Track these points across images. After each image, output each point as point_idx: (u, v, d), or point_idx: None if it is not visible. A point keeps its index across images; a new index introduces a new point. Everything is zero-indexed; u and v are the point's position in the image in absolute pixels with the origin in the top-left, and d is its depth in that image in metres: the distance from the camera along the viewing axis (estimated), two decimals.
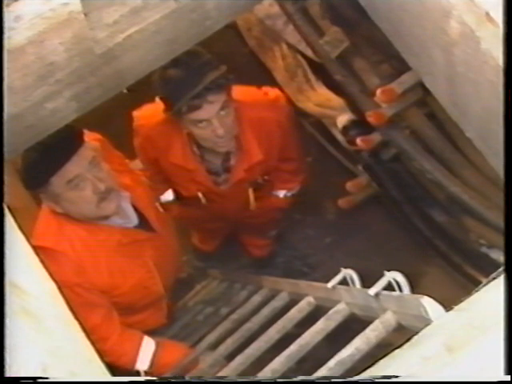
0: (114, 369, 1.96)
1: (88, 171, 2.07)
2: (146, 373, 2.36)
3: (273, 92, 2.71)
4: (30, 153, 1.94)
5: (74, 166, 2.04)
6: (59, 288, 1.19)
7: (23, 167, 2.07)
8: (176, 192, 2.83)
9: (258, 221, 3.11)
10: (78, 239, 2.19)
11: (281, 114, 2.63)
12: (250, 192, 2.80)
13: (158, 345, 2.41)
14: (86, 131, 2.18)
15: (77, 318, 1.17)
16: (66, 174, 2.04)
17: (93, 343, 1.16)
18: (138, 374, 2.37)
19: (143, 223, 2.38)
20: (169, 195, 2.84)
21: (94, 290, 2.23)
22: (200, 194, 2.73)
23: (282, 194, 2.97)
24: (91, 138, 2.27)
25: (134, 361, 2.37)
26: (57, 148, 1.98)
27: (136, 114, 2.58)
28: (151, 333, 2.54)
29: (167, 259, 2.53)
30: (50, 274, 2.07)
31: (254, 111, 2.51)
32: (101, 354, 1.13)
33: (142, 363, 2.37)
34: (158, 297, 2.55)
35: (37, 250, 2.12)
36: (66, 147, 2.03)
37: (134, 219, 2.36)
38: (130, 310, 2.45)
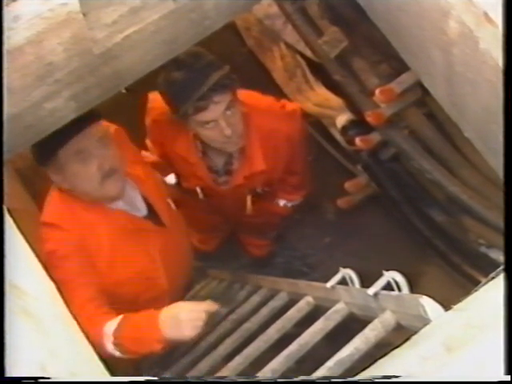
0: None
1: (96, 148, 2.09)
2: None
3: (290, 105, 2.69)
4: None
5: (83, 138, 2.07)
6: (58, 288, 1.19)
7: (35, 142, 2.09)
8: (178, 178, 2.83)
9: (256, 221, 3.11)
10: (83, 219, 2.20)
11: (293, 128, 2.61)
12: (248, 198, 2.80)
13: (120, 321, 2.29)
14: (103, 120, 2.21)
15: (76, 318, 1.17)
16: (74, 144, 2.06)
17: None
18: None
19: (152, 215, 2.37)
20: (171, 178, 2.84)
21: (92, 271, 2.20)
22: (198, 189, 2.73)
23: (282, 202, 2.97)
24: (106, 124, 2.29)
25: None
26: (69, 122, 2.02)
27: (151, 95, 2.58)
28: None
29: (175, 256, 2.51)
30: (55, 243, 2.11)
31: (266, 121, 2.50)
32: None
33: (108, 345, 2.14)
34: (162, 292, 2.52)
35: (44, 225, 2.17)
36: (78, 122, 2.05)
37: (143, 209, 2.36)
38: (133, 305, 2.43)
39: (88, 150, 2.08)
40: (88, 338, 1.99)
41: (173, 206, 2.55)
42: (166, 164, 2.76)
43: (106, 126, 2.23)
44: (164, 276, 2.46)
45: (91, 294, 2.16)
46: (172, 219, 2.46)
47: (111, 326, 2.02)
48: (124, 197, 2.27)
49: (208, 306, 1.84)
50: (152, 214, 2.38)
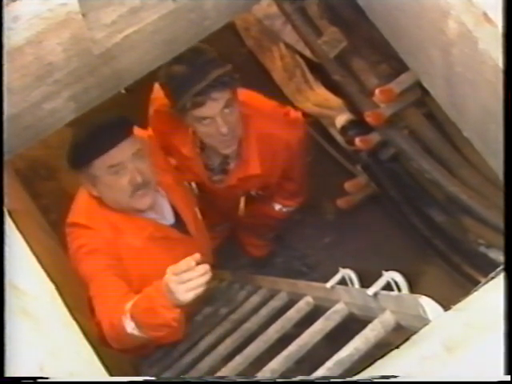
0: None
1: (130, 161, 2.11)
2: None
3: (294, 114, 2.68)
4: (79, 132, 2.03)
5: (118, 154, 2.09)
6: (58, 289, 1.19)
7: (71, 145, 2.12)
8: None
9: (251, 222, 3.11)
10: (111, 222, 2.21)
11: (294, 137, 2.60)
12: (242, 200, 2.80)
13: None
14: (136, 127, 2.23)
15: (75, 319, 1.17)
16: (109, 159, 2.08)
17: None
18: None
19: (179, 224, 2.38)
20: None
21: (121, 267, 2.19)
22: (193, 184, 2.74)
23: (277, 207, 2.97)
24: (141, 133, 2.33)
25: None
26: (106, 133, 2.05)
27: (156, 86, 2.58)
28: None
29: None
30: (85, 239, 2.15)
31: (267, 126, 2.49)
32: None
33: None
34: None
35: (71, 225, 2.20)
36: (114, 134, 2.08)
37: (171, 218, 2.37)
38: None
39: (122, 163, 2.10)
40: (112, 325, 2.02)
41: (199, 215, 2.55)
42: (166, 153, 2.74)
43: (142, 137, 2.24)
44: None
45: (120, 284, 2.14)
46: (197, 228, 2.46)
47: (131, 303, 2.00)
48: (154, 207, 2.28)
49: (198, 271, 1.82)
50: (179, 222, 2.38)
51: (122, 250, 2.20)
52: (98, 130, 2.05)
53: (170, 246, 2.31)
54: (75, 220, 2.21)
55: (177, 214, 2.39)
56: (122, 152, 2.09)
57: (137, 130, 2.23)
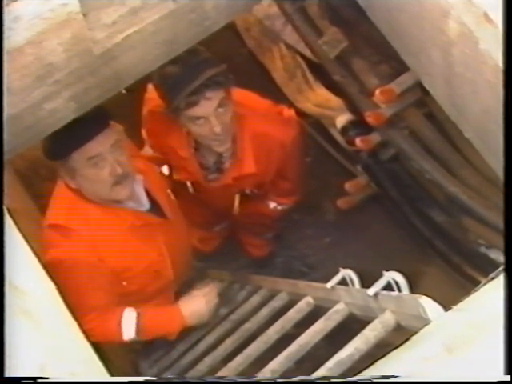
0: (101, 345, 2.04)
1: (109, 153, 2.11)
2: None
3: (288, 112, 2.68)
4: None
5: (97, 145, 2.08)
6: (58, 289, 1.19)
7: (48, 137, 2.10)
8: (170, 170, 2.83)
9: (247, 221, 3.12)
10: (91, 217, 2.22)
11: (288, 135, 2.61)
12: (236, 198, 2.81)
13: (139, 313, 2.41)
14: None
15: (76, 318, 1.17)
16: (88, 151, 2.08)
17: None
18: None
19: (155, 208, 2.40)
20: (164, 170, 2.84)
21: (106, 271, 2.24)
22: (188, 183, 2.75)
23: (272, 205, 2.98)
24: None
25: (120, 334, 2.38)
26: (84, 125, 2.02)
27: (150, 86, 2.58)
28: None
29: (178, 246, 2.54)
30: (63, 251, 2.17)
31: (261, 125, 2.50)
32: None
33: (128, 333, 2.38)
34: (168, 283, 2.54)
35: (49, 227, 2.20)
36: (92, 125, 2.07)
37: (146, 203, 2.38)
38: (140, 296, 2.44)
39: (101, 154, 2.10)
40: (100, 332, 2.16)
41: (172, 196, 2.57)
42: (162, 158, 2.76)
43: (118, 127, 2.23)
44: (170, 267, 2.49)
45: (101, 297, 2.24)
46: (173, 210, 2.49)
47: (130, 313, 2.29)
48: (132, 196, 2.29)
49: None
50: (155, 207, 2.40)
51: (103, 246, 2.22)
52: (76, 121, 2.04)
53: (150, 233, 2.35)
54: (54, 221, 2.20)
55: (151, 199, 2.40)
56: (100, 143, 2.09)
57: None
